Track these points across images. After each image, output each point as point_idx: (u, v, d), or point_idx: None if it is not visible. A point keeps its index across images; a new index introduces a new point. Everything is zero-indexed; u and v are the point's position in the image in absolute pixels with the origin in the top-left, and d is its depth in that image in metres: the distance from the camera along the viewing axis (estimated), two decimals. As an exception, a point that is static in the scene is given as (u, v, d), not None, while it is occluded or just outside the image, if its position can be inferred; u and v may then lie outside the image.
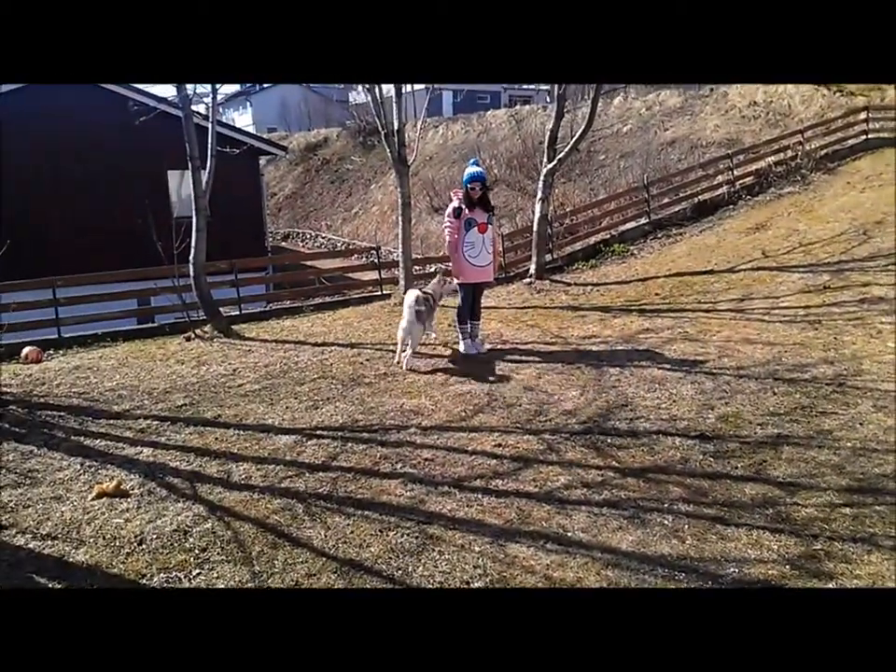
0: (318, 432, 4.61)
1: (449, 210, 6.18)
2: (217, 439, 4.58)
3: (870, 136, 15.12)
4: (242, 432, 4.67)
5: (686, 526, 3.22)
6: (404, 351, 6.03)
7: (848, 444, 3.97)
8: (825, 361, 5.37)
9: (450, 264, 6.54)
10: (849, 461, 3.78)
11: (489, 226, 6.20)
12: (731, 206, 13.13)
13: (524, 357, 6.17)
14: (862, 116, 15.39)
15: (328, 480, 3.89)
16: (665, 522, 3.28)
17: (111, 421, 5.03)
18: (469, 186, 6.04)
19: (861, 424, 4.24)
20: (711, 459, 3.91)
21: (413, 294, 6.07)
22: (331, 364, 6.27)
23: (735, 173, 13.86)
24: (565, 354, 6.25)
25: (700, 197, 13.52)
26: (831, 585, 2.76)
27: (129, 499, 3.76)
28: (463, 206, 6.07)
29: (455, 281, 6.32)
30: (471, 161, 6.51)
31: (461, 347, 6.36)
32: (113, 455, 4.42)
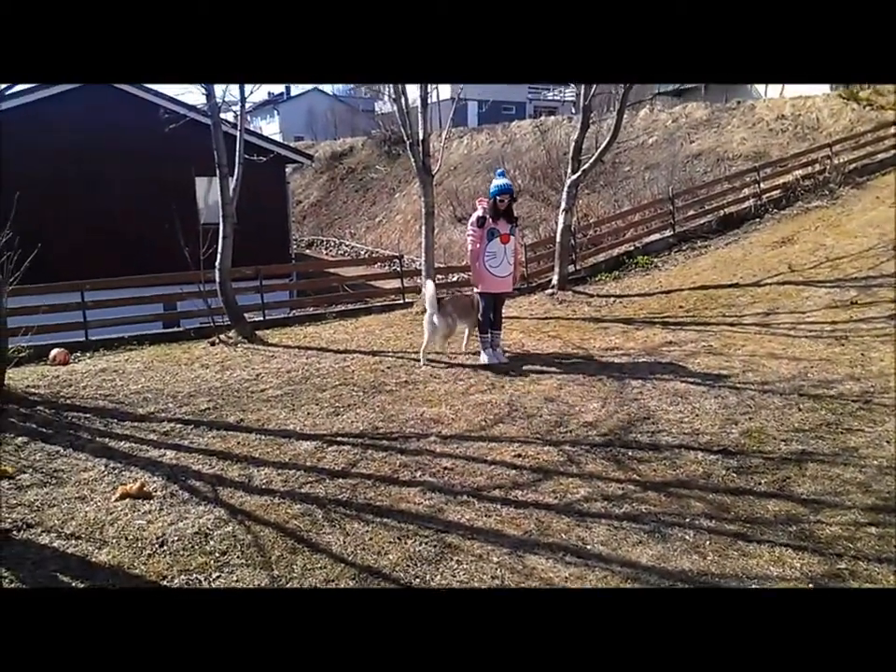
0: (339, 438, 4.64)
1: (473, 219, 6.25)
2: (239, 443, 4.63)
3: (901, 151, 14.90)
4: (264, 437, 4.71)
5: (707, 542, 3.18)
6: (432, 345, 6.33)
7: (874, 462, 3.91)
8: (851, 378, 5.29)
9: (470, 273, 6.65)
10: (875, 479, 3.71)
11: (511, 237, 6.28)
12: (757, 220, 12.99)
13: (545, 368, 6.15)
14: (893, 130, 15.16)
15: (347, 486, 3.90)
16: (687, 537, 3.24)
17: (136, 423, 5.10)
18: (497, 198, 6.11)
19: (887, 442, 4.17)
20: (734, 475, 3.87)
21: (431, 284, 6.52)
22: (353, 371, 6.30)
23: (762, 186, 13.72)
24: (586, 365, 6.23)
25: (726, 210, 13.40)
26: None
27: (151, 501, 3.81)
28: (487, 216, 6.17)
29: (476, 290, 6.40)
30: (498, 172, 6.55)
31: (482, 357, 6.35)
32: (137, 456, 4.48)
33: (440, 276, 14.01)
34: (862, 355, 5.82)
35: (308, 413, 5.14)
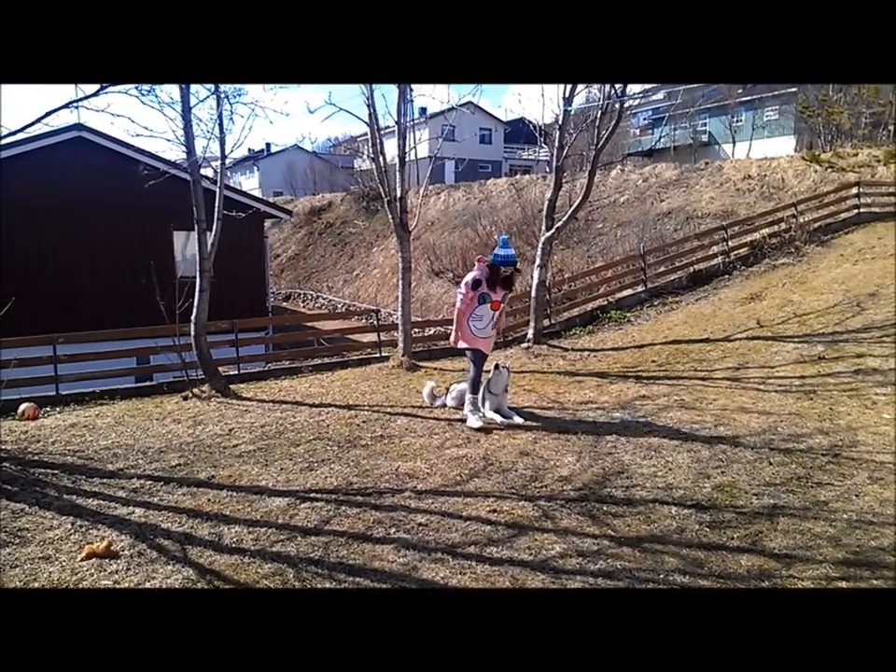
0: (312, 495, 4.58)
1: (468, 279, 5.92)
2: (209, 500, 4.55)
3: (861, 210, 15.51)
4: (235, 494, 4.64)
5: (653, 587, 3.17)
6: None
7: (844, 516, 3.95)
8: (821, 432, 5.38)
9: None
10: (845, 533, 3.74)
11: (502, 304, 6.07)
12: (726, 276, 13.35)
13: (520, 422, 6.16)
14: (854, 191, 15.83)
15: (320, 544, 3.84)
16: (661, 593, 3.23)
17: (104, 480, 5.00)
18: (501, 268, 5.83)
19: (856, 496, 4.22)
20: (707, 529, 3.88)
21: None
22: (328, 425, 6.26)
23: (730, 244, 14.15)
24: (561, 419, 6.26)
25: (696, 266, 13.76)
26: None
27: (118, 561, 3.70)
28: (483, 280, 5.87)
29: (461, 345, 6.10)
30: (503, 239, 6.03)
31: (472, 422, 5.97)
32: (105, 514, 4.37)
33: (416, 330, 14.09)
34: (830, 409, 5.93)
35: (281, 469, 5.08)
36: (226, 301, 11.86)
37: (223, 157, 8.59)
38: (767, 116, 36.96)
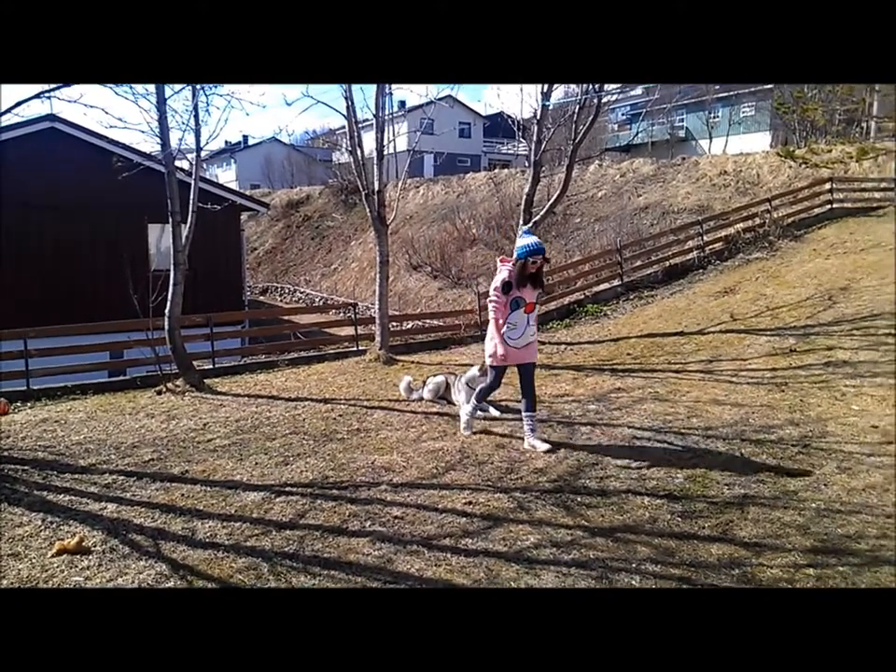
0: (287, 489, 4.56)
1: (497, 283, 5.12)
2: (183, 495, 4.51)
3: (834, 206, 15.78)
4: (209, 488, 4.60)
5: (653, 587, 3.21)
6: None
7: (813, 505, 4.02)
8: (791, 423, 5.47)
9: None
10: (814, 522, 3.81)
11: (536, 305, 5.33)
12: (701, 270, 13.50)
13: (497, 415, 6.19)
14: (827, 186, 16.09)
15: (295, 538, 3.83)
16: (633, 582, 3.26)
17: (76, 475, 4.94)
18: (530, 260, 4.99)
19: (825, 485, 4.30)
20: (679, 519, 3.93)
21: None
22: (304, 419, 6.24)
23: (705, 238, 14.31)
24: (537, 412, 6.27)
25: (671, 261, 13.90)
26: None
27: (90, 557, 3.66)
28: (513, 281, 5.07)
29: (487, 361, 5.43)
30: (525, 230, 5.45)
31: (462, 423, 5.67)
32: (76, 510, 4.32)
33: (394, 323, 14.07)
34: (801, 401, 6.03)
35: (256, 463, 5.06)
36: (201, 294, 11.75)
37: (198, 149, 8.49)
38: (743, 112, 37.36)
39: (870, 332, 8.01)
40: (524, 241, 5.06)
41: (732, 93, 37.23)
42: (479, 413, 6.13)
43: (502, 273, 5.13)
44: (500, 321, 5.12)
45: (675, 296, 12.20)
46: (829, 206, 15.76)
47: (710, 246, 14.22)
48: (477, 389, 5.62)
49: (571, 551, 3.60)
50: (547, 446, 5.14)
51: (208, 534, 3.92)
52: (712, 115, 38.70)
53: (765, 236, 14.23)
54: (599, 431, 5.55)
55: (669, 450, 5.03)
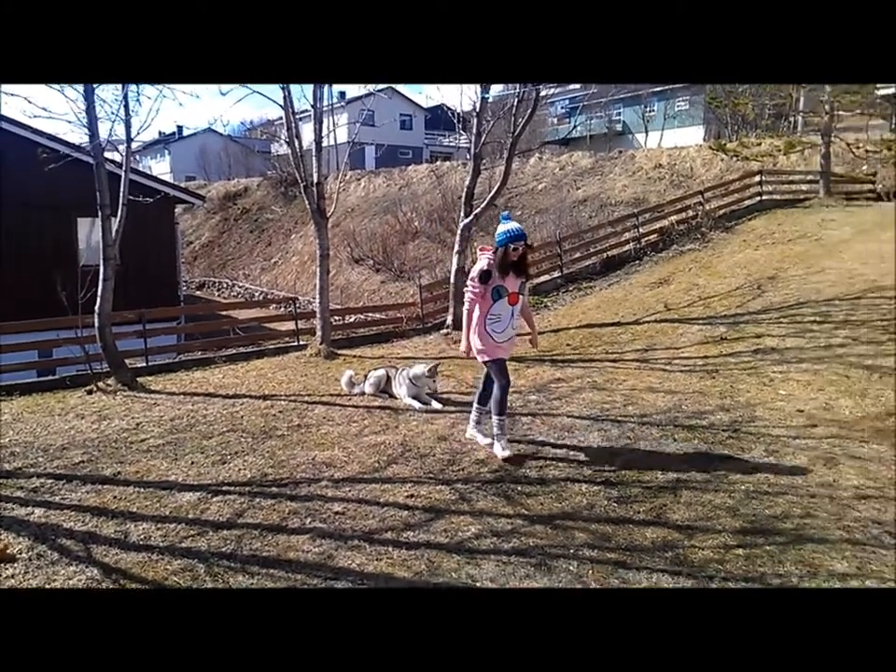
0: (225, 488, 4.47)
1: (475, 273, 4.77)
2: (115, 497, 4.37)
3: (763, 198, 16.38)
4: (142, 490, 4.47)
5: (590, 572, 3.28)
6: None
7: (742, 488, 4.18)
8: (722, 409, 5.67)
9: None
10: (743, 504, 3.96)
11: (521, 296, 4.88)
12: (637, 262, 13.83)
13: (439, 407, 6.21)
14: (757, 179, 16.68)
15: (232, 538, 3.76)
16: (571, 568, 3.33)
17: (1, 480, 4.72)
18: (511, 246, 4.64)
19: (753, 468, 4.48)
20: (615, 504, 4.03)
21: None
22: (242, 416, 6.12)
23: (641, 230, 14.67)
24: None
25: (609, 253, 14.20)
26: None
27: (15, 564, 3.51)
28: (494, 270, 4.71)
29: (483, 357, 4.92)
30: (504, 215, 4.95)
31: (497, 449, 4.86)
32: (0, 516, 4.13)
33: (336, 318, 13.94)
34: (731, 387, 6.26)
35: (192, 463, 4.93)
36: (133, 290, 11.35)
37: (129, 139, 8.20)
38: (678, 106, 38.30)
39: (796, 320, 8.36)
40: (504, 227, 4.74)
41: (667, 88, 38.13)
42: (421, 406, 6.15)
43: (481, 261, 4.80)
44: (476, 309, 4.79)
45: (612, 287, 12.47)
46: (758, 198, 16.35)
47: (646, 238, 14.59)
48: (493, 403, 4.89)
49: (511, 539, 3.65)
50: (505, 452, 4.79)
51: (142, 536, 3.81)
52: (648, 109, 39.56)
53: (698, 228, 14.68)
54: (539, 421, 5.63)
55: (607, 437, 5.14)
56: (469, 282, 4.89)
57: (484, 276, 4.73)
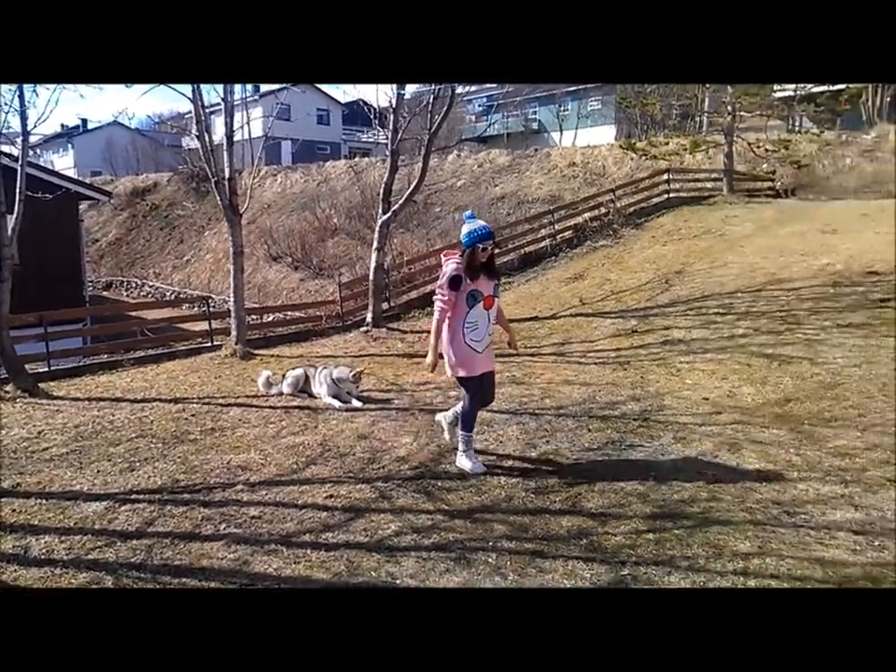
0: (133, 496, 4.29)
1: (444, 280, 4.40)
2: (14, 510, 4.11)
3: (671, 196, 17.05)
4: (45, 501, 4.23)
5: (508, 563, 3.34)
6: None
7: (652, 474, 4.34)
8: (633, 399, 5.88)
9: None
10: (653, 490, 4.12)
11: (496, 298, 4.55)
12: (553, 258, 14.16)
13: (359, 406, 6.16)
14: (665, 177, 17.34)
15: (142, 547, 3.61)
16: (490, 560, 3.37)
17: None
18: (479, 246, 4.33)
19: (662, 455, 4.66)
20: (533, 495, 4.11)
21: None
22: (152, 421, 5.88)
23: (557, 227, 15.01)
24: (400, 401, 6.33)
25: (526, 249, 14.47)
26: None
27: None
28: (464, 275, 4.36)
29: (449, 373, 4.60)
30: (467, 214, 4.64)
31: (465, 464, 4.56)
32: None
33: (253, 317, 13.61)
34: (642, 377, 6.50)
35: (98, 471, 4.71)
36: (33, 291, 10.74)
37: (25, 132, 7.73)
38: (591, 106, 39.35)
39: (701, 312, 8.77)
40: (470, 226, 4.40)
41: (580, 88, 39.12)
42: (341, 405, 6.09)
43: (449, 267, 4.42)
44: (447, 318, 4.42)
45: (530, 282, 12.71)
46: (666, 196, 17.02)
47: (561, 235, 14.95)
48: (460, 418, 4.64)
49: (431, 535, 3.66)
50: (475, 466, 4.50)
51: (44, 550, 3.61)
52: (562, 108, 40.49)
53: (610, 224, 15.15)
54: (459, 416, 5.67)
55: (524, 430, 5.24)
56: (437, 290, 4.48)
57: (455, 282, 4.36)
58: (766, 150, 17.63)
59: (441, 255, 4.69)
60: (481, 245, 4.33)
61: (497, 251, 4.54)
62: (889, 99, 22.26)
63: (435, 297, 4.48)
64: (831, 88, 17.87)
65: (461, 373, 4.49)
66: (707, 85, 19.29)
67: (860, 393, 5.58)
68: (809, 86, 17.92)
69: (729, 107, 17.15)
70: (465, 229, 4.44)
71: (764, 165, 18.91)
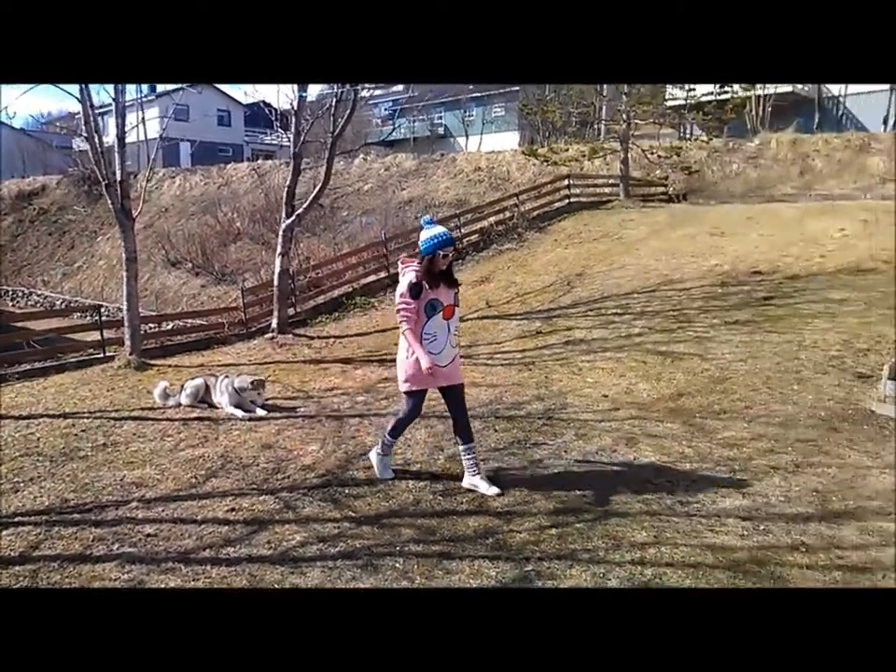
0: (17, 519, 4.00)
1: (403, 288, 4.21)
2: None
3: (572, 200, 17.60)
4: (-88, 530, 3.88)
5: (415, 566, 3.33)
6: None
7: (555, 471, 4.47)
8: (537, 398, 6.02)
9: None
10: (556, 486, 4.23)
11: (456, 308, 4.36)
12: (460, 261, 14.28)
13: (263, 414, 6.01)
14: (566, 182, 17.88)
15: (26, 573, 3.37)
16: (397, 565, 3.36)
17: None
18: (440, 253, 4.13)
19: (565, 451, 4.80)
20: (440, 498, 4.13)
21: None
22: (38, 438, 5.51)
23: (463, 230, 15.18)
24: (306, 408, 6.23)
25: (433, 252, 14.53)
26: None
27: None
28: (423, 282, 4.17)
29: (402, 388, 4.48)
30: (425, 219, 4.43)
31: (375, 466, 4.54)
32: None
33: (151, 326, 13.04)
34: (546, 377, 6.67)
35: (-24, 495, 4.37)
36: None
37: None
38: (495, 112, 40.10)
39: (601, 312, 9.10)
40: (429, 232, 4.19)
41: (484, 93, 39.78)
42: (245, 414, 5.92)
43: (407, 275, 4.22)
44: (416, 328, 4.19)
45: (438, 286, 12.79)
46: (567, 201, 17.55)
47: (468, 238, 15.13)
48: (390, 425, 4.54)
49: (338, 543, 3.61)
50: (496, 490, 4.17)
51: None
52: (467, 114, 41.06)
53: (515, 228, 15.49)
54: (367, 422, 5.64)
55: (432, 433, 5.26)
56: (399, 299, 4.25)
57: (415, 290, 4.16)
58: (659, 157, 18.51)
59: (400, 262, 4.49)
60: (441, 252, 4.15)
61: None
62: (770, 108, 23.86)
63: (397, 308, 4.27)
64: (718, 97, 18.98)
65: (409, 387, 4.37)
66: (604, 93, 20.08)
67: (746, 386, 5.94)
68: (699, 95, 18.93)
69: (624, 115, 17.89)
70: (424, 235, 4.24)
71: (658, 171, 19.84)
